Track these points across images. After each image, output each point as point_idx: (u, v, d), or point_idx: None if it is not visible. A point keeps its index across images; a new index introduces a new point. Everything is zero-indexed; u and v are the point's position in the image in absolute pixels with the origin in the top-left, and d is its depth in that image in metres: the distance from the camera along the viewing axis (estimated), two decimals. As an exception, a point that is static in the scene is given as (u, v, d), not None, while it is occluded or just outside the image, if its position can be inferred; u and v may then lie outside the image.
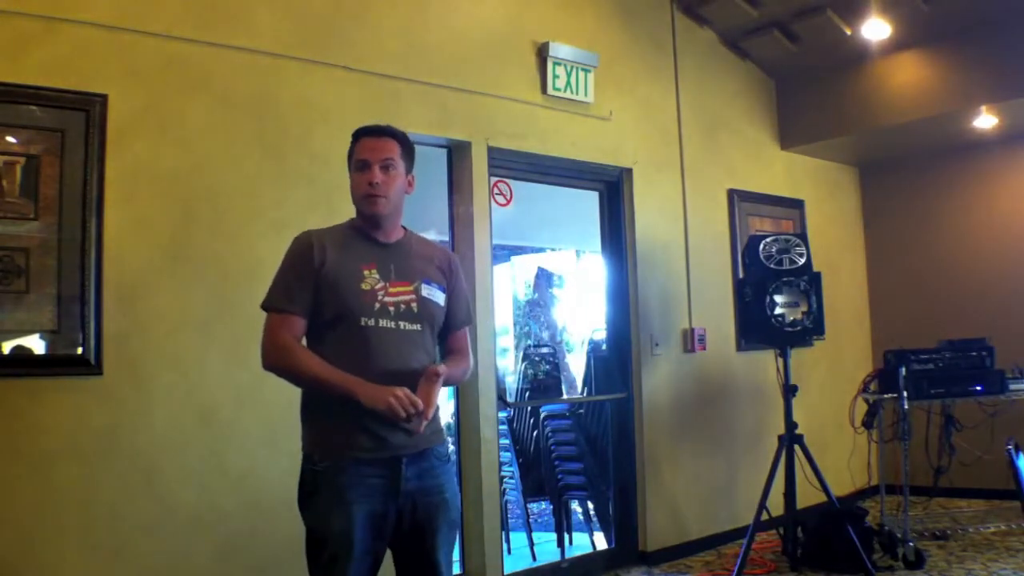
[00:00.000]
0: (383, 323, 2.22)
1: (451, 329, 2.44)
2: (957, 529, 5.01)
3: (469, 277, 4.17)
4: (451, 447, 4.43)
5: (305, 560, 2.22)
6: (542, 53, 4.54)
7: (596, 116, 4.80)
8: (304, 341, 2.30)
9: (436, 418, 2.32)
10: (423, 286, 2.31)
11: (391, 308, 2.24)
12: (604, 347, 5.25)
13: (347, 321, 2.21)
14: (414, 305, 2.28)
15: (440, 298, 2.35)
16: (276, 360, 2.22)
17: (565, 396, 6.12)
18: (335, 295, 2.22)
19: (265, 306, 2.28)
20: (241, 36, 3.51)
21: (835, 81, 5.72)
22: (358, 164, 2.30)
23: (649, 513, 4.81)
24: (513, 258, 7.53)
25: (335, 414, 2.19)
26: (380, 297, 2.24)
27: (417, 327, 2.28)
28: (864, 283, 6.65)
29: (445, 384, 2.38)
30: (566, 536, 5.22)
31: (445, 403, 4.67)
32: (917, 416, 4.78)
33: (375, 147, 2.29)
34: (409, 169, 2.36)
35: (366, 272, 2.25)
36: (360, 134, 2.34)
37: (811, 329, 4.45)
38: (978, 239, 6.10)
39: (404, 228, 2.40)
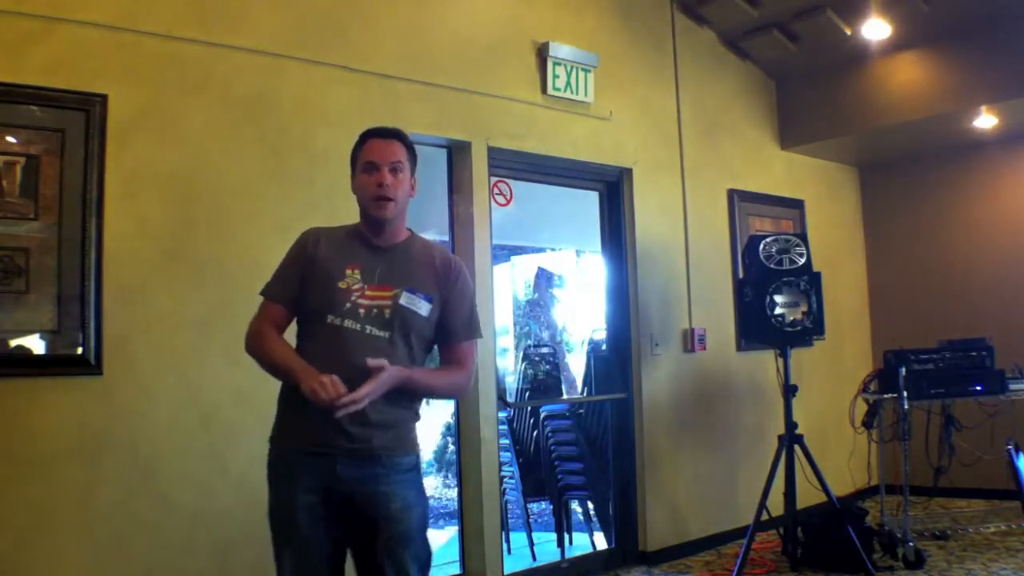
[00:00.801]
0: (348, 323, 2.22)
1: (448, 340, 2.38)
2: (957, 529, 5.01)
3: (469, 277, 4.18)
4: (451, 447, 4.44)
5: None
6: (542, 53, 4.54)
7: (596, 116, 4.80)
8: (295, 336, 2.35)
9: (392, 433, 2.25)
10: (404, 294, 2.27)
11: (362, 311, 2.24)
12: (604, 347, 5.25)
13: (318, 316, 2.25)
14: (387, 311, 2.25)
15: (423, 308, 2.29)
16: (250, 345, 2.32)
17: (565, 396, 6.12)
18: (314, 290, 2.27)
19: (261, 292, 2.37)
20: (241, 36, 3.51)
21: (835, 81, 5.72)
22: (366, 166, 2.31)
23: (649, 513, 4.81)
24: (513, 258, 7.53)
25: (296, 407, 2.22)
26: (353, 298, 2.24)
27: (384, 334, 2.24)
28: (864, 283, 6.65)
29: (416, 392, 2.29)
30: (566, 536, 5.23)
31: (444, 405, 4.66)
32: (917, 416, 4.78)
33: (384, 149, 2.31)
34: (412, 172, 2.38)
35: (348, 271, 2.27)
36: (368, 136, 2.36)
37: (811, 329, 4.45)
38: (978, 239, 6.10)
39: (410, 231, 2.41)
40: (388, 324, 2.25)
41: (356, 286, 2.25)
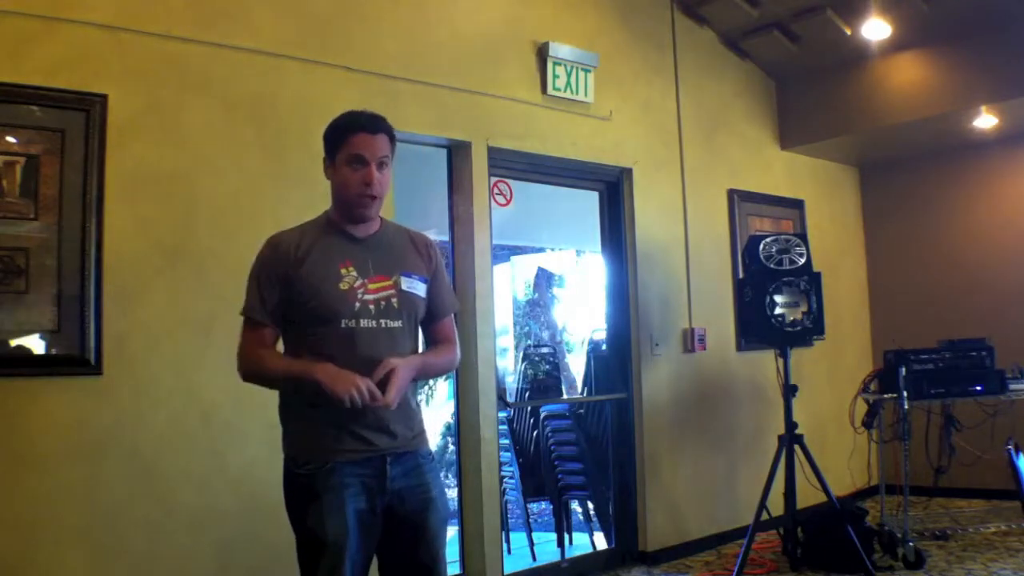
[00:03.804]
0: (364, 323, 2.18)
1: (436, 318, 2.37)
2: (957, 529, 5.01)
3: (469, 277, 4.19)
4: (451, 447, 4.45)
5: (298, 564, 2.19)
6: (542, 53, 4.54)
7: (596, 116, 4.80)
8: (281, 344, 2.29)
9: (418, 422, 2.30)
10: (403, 279, 2.25)
11: (371, 306, 2.19)
12: (604, 347, 5.25)
13: (329, 323, 2.17)
14: (395, 300, 2.23)
15: (421, 289, 2.29)
16: (248, 369, 2.23)
17: (565, 396, 6.12)
18: (315, 297, 2.17)
19: (242, 312, 2.26)
20: (241, 36, 3.51)
21: (835, 81, 5.72)
22: (353, 158, 2.20)
23: (649, 513, 4.81)
24: (513, 258, 7.54)
25: (317, 417, 2.16)
26: (360, 296, 2.19)
27: (399, 323, 2.23)
28: (864, 283, 6.65)
29: (425, 376, 2.40)
30: (566, 536, 5.22)
31: (444, 403, 4.67)
32: (917, 416, 4.78)
33: (373, 144, 2.21)
34: (392, 160, 2.31)
35: (343, 271, 2.20)
36: (355, 127, 2.22)
37: (811, 329, 4.45)
38: (978, 239, 6.10)
39: (381, 218, 2.34)
40: (399, 313, 2.23)
41: (357, 283, 2.19)
